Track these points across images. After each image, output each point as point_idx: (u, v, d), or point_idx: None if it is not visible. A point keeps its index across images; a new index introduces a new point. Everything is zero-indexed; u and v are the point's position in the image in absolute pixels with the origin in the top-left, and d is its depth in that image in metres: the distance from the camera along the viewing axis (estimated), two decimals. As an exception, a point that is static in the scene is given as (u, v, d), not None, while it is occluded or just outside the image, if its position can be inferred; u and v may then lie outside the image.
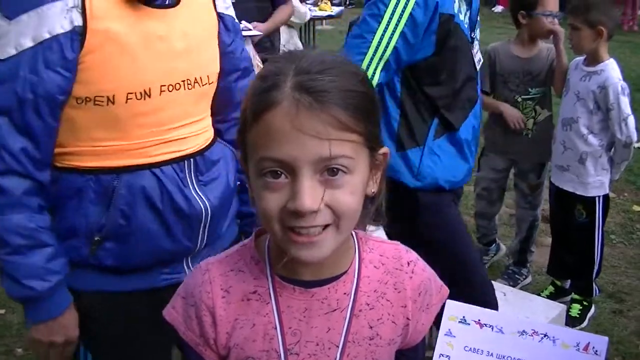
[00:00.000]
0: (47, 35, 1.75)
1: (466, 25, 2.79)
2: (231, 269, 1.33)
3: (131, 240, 1.93)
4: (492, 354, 1.36)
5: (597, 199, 3.95)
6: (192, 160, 2.01)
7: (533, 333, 1.36)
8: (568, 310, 4.03)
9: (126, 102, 1.84)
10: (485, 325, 1.36)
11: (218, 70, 2.09)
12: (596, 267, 4.08)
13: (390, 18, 2.58)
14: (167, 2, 1.90)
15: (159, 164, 1.93)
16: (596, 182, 3.92)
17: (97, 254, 1.94)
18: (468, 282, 2.76)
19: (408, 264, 1.38)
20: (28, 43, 1.75)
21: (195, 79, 1.99)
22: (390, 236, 2.76)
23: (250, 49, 4.27)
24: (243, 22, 4.20)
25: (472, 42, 2.88)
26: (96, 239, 1.92)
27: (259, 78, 1.19)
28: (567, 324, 3.93)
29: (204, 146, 2.05)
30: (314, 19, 9.74)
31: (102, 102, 1.82)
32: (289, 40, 7.33)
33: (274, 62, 1.21)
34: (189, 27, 1.96)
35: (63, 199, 1.91)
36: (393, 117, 2.77)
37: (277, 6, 4.82)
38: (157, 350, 2.09)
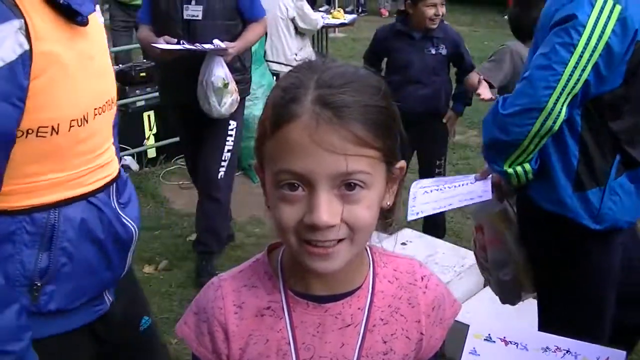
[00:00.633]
0: (1, 63, 1.57)
1: None
2: (244, 284, 1.33)
3: (75, 279, 1.80)
4: None
5: None
6: (114, 184, 1.92)
7: (556, 349, 1.36)
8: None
9: (69, 130, 1.71)
10: (511, 342, 1.35)
11: None
12: None
13: (585, 48, 2.33)
14: (85, 20, 1.76)
15: (93, 192, 1.82)
16: None
17: (39, 300, 1.78)
18: (594, 333, 2.48)
19: (422, 278, 1.38)
20: None
21: (112, 98, 1.89)
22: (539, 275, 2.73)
23: (225, 71, 4.27)
24: (216, 40, 4.19)
25: None
26: (37, 284, 1.76)
27: (280, 89, 1.19)
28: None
29: (119, 168, 1.97)
30: (326, 27, 9.75)
31: (46, 133, 1.67)
32: (301, 48, 7.34)
33: (295, 72, 1.20)
34: (101, 45, 1.87)
35: None
36: (572, 154, 2.54)
37: (249, 24, 4.48)
38: None
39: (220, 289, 1.33)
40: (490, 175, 2.90)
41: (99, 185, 1.85)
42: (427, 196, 2.96)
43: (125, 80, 6.57)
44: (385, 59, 4.78)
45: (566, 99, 2.39)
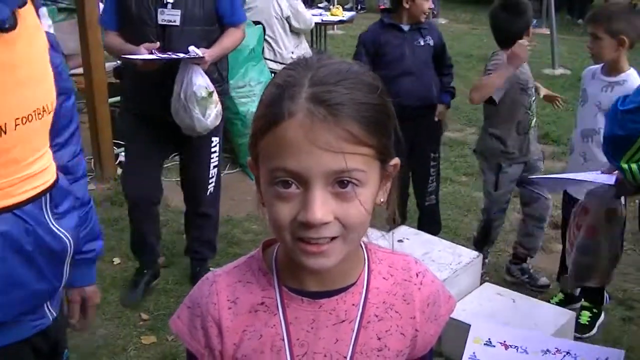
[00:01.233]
0: None
1: None
2: (239, 280, 1.33)
3: (3, 294, 1.73)
4: None
5: None
6: (48, 194, 1.85)
7: (556, 351, 1.37)
8: (577, 318, 4.01)
9: None
10: (511, 346, 1.36)
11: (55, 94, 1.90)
12: None
13: None
14: (6, 26, 1.66)
15: (20, 204, 1.75)
16: None
17: None
18: None
19: (417, 275, 1.38)
20: None
21: (44, 107, 1.81)
22: None
23: (206, 80, 3.94)
24: (192, 47, 3.88)
25: None
26: None
27: (274, 86, 1.19)
28: (576, 332, 3.91)
29: (55, 178, 1.90)
30: (325, 24, 9.75)
31: None
32: (297, 46, 7.36)
33: (290, 69, 1.20)
34: (30, 52, 1.78)
35: None
36: None
37: (226, 29, 4.15)
38: None
39: (214, 284, 1.33)
40: (616, 172, 2.94)
41: (29, 196, 1.78)
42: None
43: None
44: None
45: None
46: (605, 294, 4.13)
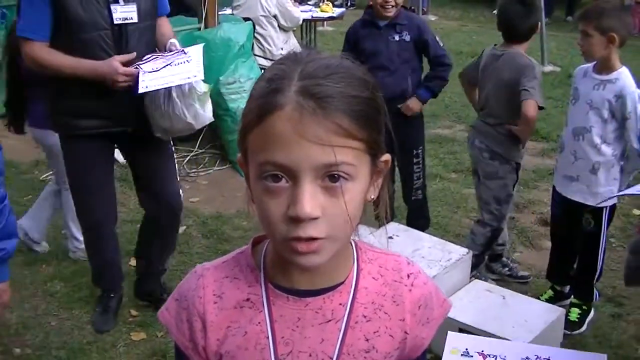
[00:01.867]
0: None
1: None
2: (226, 275, 1.32)
3: None
4: None
5: (605, 209, 3.91)
6: None
7: (536, 358, 1.35)
8: (567, 315, 4.02)
9: None
10: (489, 355, 1.34)
11: None
12: (598, 272, 4.07)
13: None
14: None
15: None
16: (607, 192, 3.84)
17: None
18: None
19: (408, 276, 1.36)
20: None
21: None
22: None
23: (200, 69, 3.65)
24: (172, 40, 3.74)
25: None
26: None
27: (264, 80, 1.18)
28: (566, 329, 3.92)
29: None
30: (315, 20, 9.74)
31: None
32: (286, 42, 7.35)
33: (279, 64, 1.19)
34: None
35: None
36: None
37: (160, 20, 3.85)
38: None
39: (201, 278, 1.33)
40: None
41: None
42: None
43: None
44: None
45: None
46: (595, 291, 4.14)
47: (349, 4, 15.60)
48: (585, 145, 3.83)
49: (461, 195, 6.01)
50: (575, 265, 4.20)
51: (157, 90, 3.53)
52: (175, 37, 3.91)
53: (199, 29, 6.55)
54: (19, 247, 4.81)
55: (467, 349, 1.33)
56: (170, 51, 3.68)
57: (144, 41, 3.66)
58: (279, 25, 7.26)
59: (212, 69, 6.18)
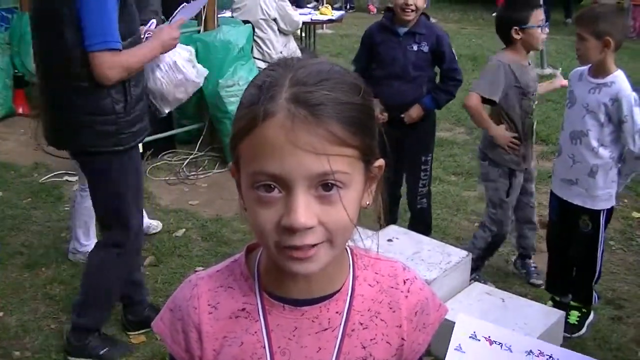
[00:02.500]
0: None
1: None
2: (220, 284, 1.30)
3: None
4: None
5: (602, 211, 3.91)
6: None
7: (539, 354, 1.35)
8: (566, 318, 4.01)
9: None
10: (495, 342, 1.35)
11: None
12: (597, 274, 4.05)
13: None
14: None
15: None
16: (605, 194, 3.85)
17: None
18: None
19: (404, 282, 1.34)
20: None
21: None
22: None
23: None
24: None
25: None
26: None
27: (254, 87, 1.16)
28: (565, 332, 3.92)
29: None
30: (314, 23, 9.75)
31: None
32: (285, 45, 7.35)
33: (270, 70, 1.17)
34: None
35: None
36: None
37: None
38: None
39: (196, 287, 1.31)
40: None
41: None
42: None
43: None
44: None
45: None
46: (595, 294, 4.13)
47: (348, 6, 15.62)
48: (583, 148, 3.83)
49: (461, 198, 6.01)
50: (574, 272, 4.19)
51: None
52: None
53: (199, 31, 6.55)
54: (18, 250, 4.82)
55: (474, 332, 1.33)
56: None
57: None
58: (278, 29, 7.26)
59: (212, 72, 6.18)
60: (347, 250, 1.32)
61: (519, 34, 4.16)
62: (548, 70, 9.95)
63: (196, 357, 1.29)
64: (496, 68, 4.20)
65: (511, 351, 1.34)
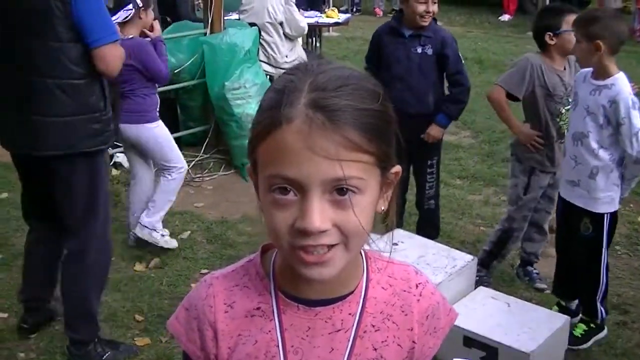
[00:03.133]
0: None
1: None
2: (236, 284, 1.32)
3: None
4: None
5: (605, 216, 3.88)
6: None
7: None
8: (573, 329, 3.99)
9: None
10: None
11: None
12: (602, 288, 3.97)
13: None
14: None
15: None
16: (606, 197, 3.84)
17: None
18: None
19: (417, 286, 1.36)
20: None
21: None
22: None
23: None
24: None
25: None
26: None
27: (273, 91, 1.17)
28: (569, 343, 3.90)
29: None
30: (320, 26, 9.74)
31: None
32: (291, 49, 7.34)
33: (290, 74, 1.18)
34: None
35: None
36: None
37: None
38: None
39: (211, 287, 1.33)
40: None
41: None
42: None
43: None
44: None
45: None
46: (601, 309, 4.00)
47: (354, 9, 15.61)
48: (584, 150, 3.83)
49: (466, 202, 6.00)
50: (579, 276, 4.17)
51: None
52: None
53: (205, 34, 6.56)
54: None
55: None
56: None
57: None
58: (284, 33, 7.25)
59: (218, 74, 6.19)
60: (361, 253, 1.33)
61: (552, 40, 4.22)
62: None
63: (211, 355, 1.31)
64: (523, 65, 4.27)
65: None
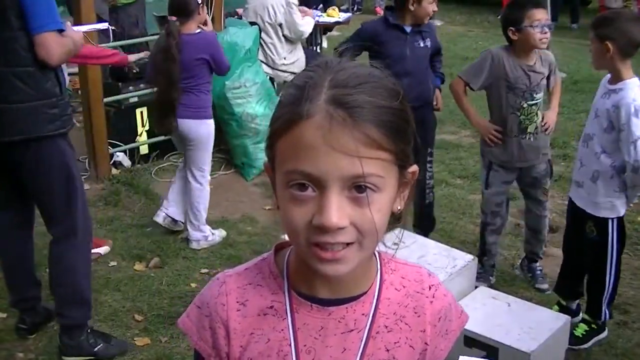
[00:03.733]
0: None
1: None
2: (249, 282, 1.32)
3: None
4: None
5: (609, 221, 3.86)
6: None
7: None
8: (574, 329, 3.99)
9: None
10: None
11: None
12: (608, 291, 3.96)
13: None
14: None
15: None
16: (606, 203, 3.81)
17: None
18: None
19: (430, 287, 1.37)
20: None
21: None
22: None
23: None
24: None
25: None
26: None
27: (294, 87, 1.17)
28: (570, 343, 3.89)
29: None
30: (321, 25, 9.72)
31: None
32: (291, 51, 7.31)
33: (310, 71, 1.19)
34: None
35: None
36: None
37: None
38: None
39: (224, 285, 1.33)
40: None
41: None
42: None
43: (119, 77, 6.56)
44: (367, 53, 4.73)
45: None
46: (605, 311, 4.00)
47: (355, 8, 15.60)
48: (589, 152, 3.83)
49: (467, 202, 6.00)
50: (585, 281, 4.16)
51: None
52: None
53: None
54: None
55: None
56: None
57: None
58: (283, 35, 7.22)
59: (218, 73, 6.18)
60: (375, 254, 1.33)
61: (515, 35, 4.20)
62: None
63: (223, 353, 1.31)
64: (483, 57, 4.32)
65: None
